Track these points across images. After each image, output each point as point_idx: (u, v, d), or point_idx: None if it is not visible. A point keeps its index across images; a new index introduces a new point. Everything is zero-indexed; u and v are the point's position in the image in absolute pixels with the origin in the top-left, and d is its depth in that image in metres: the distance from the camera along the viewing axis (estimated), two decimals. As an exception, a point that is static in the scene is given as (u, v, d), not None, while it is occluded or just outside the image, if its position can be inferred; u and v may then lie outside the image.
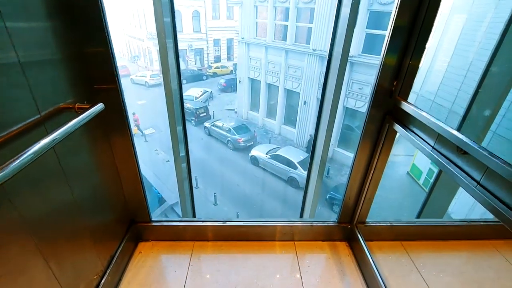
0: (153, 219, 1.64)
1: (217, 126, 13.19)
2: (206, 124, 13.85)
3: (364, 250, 1.46)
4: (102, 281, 1.25)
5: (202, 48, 24.01)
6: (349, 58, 1.61)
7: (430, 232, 1.70)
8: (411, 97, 1.19)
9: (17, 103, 0.77)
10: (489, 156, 0.75)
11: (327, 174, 10.69)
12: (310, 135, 12.36)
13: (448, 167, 0.93)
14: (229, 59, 25.20)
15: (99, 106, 0.99)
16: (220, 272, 1.50)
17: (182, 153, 1.89)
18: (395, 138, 1.33)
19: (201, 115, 14.75)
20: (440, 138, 0.98)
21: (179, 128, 1.79)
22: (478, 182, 0.82)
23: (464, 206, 3.99)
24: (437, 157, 0.98)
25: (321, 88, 1.76)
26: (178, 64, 1.60)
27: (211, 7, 23.09)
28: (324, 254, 1.62)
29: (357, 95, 10.50)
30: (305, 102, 12.33)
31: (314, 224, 1.68)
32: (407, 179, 8.68)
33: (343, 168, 10.97)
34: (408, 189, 8.50)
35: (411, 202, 7.80)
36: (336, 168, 11.07)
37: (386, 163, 1.38)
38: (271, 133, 14.28)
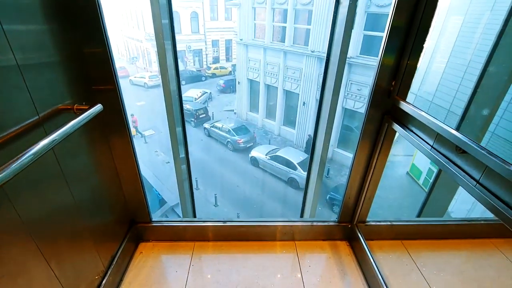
0: (153, 220, 1.64)
1: (216, 127, 13.19)
2: (206, 125, 13.85)
3: (365, 249, 1.46)
4: (103, 282, 1.25)
5: (201, 49, 24.03)
6: (347, 59, 1.62)
7: (430, 231, 1.70)
8: (410, 98, 1.19)
9: (16, 105, 0.77)
10: (488, 155, 0.76)
11: (327, 174, 10.70)
12: (308, 135, 12.37)
13: (448, 166, 0.93)
14: (227, 60, 25.22)
15: (98, 107, 1.00)
16: (220, 272, 1.50)
17: (182, 155, 1.90)
18: (395, 138, 1.34)
19: (200, 116, 14.75)
20: (439, 138, 0.99)
21: (179, 129, 1.79)
22: (477, 181, 0.82)
23: (464, 206, 4.00)
24: (436, 157, 0.99)
25: (320, 89, 1.77)
26: (177, 65, 1.60)
27: (209, 8, 23.10)
28: (325, 253, 1.62)
29: (356, 96, 10.53)
30: (304, 103, 12.35)
31: (315, 223, 1.68)
32: (407, 179, 8.70)
33: (343, 169, 10.98)
34: (408, 189, 8.51)
35: (411, 202, 7.82)
36: (336, 169, 11.08)
37: (385, 162, 1.38)
38: (270, 134, 14.28)
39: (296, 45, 12.22)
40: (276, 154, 10.71)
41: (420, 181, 8.03)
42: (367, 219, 1.61)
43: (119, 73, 1.19)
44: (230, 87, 19.08)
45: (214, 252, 1.62)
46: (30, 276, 0.85)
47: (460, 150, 0.88)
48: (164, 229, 1.67)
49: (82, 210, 1.10)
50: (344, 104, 10.88)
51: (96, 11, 1.01)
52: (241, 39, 14.34)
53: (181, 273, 1.48)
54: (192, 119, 14.57)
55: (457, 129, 0.91)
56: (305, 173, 2.21)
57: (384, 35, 1.11)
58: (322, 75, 1.72)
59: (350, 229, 1.65)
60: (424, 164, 7.85)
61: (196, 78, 21.36)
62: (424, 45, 1.09)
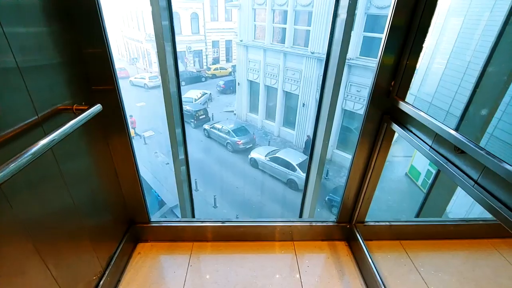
0: (152, 220, 1.64)
1: (216, 128, 13.19)
2: (206, 126, 13.85)
3: (363, 249, 1.46)
4: (101, 282, 1.25)
5: (201, 50, 24.07)
6: (347, 60, 1.63)
7: (429, 231, 1.70)
8: (409, 99, 1.20)
9: (14, 105, 0.77)
10: (486, 155, 0.76)
11: (326, 176, 10.69)
12: (307, 136, 12.38)
13: (446, 166, 0.93)
14: (228, 60, 25.26)
15: (97, 107, 1.00)
16: (219, 272, 1.49)
17: (181, 156, 1.89)
18: (394, 139, 1.34)
19: (200, 117, 14.76)
20: (438, 138, 0.99)
21: (178, 131, 1.79)
22: (475, 181, 0.82)
23: (462, 207, 4.00)
24: (434, 157, 0.99)
25: (319, 90, 1.77)
26: (177, 66, 1.60)
27: (209, 9, 23.16)
28: (323, 254, 1.62)
29: (355, 97, 10.55)
30: (303, 104, 12.36)
31: (313, 224, 1.68)
32: (406, 180, 8.71)
33: (342, 170, 10.98)
34: (407, 190, 8.52)
35: (409, 203, 7.82)
36: (335, 170, 11.08)
37: (384, 162, 1.39)
38: (270, 135, 14.29)
39: (296, 46, 12.24)
40: (276, 155, 10.71)
41: (419, 183, 8.03)
42: (366, 220, 1.61)
43: (120, 74, 1.19)
44: (230, 88, 19.10)
45: (212, 252, 1.62)
46: (27, 277, 0.85)
47: (458, 150, 0.88)
48: (162, 229, 1.66)
49: (80, 211, 1.10)
50: (343, 105, 10.89)
51: (96, 12, 1.01)
52: (241, 40, 14.37)
53: (180, 273, 1.48)
54: (192, 120, 14.57)
55: (456, 130, 0.91)
56: (304, 175, 2.21)
57: (383, 35, 1.12)
58: (322, 76, 1.72)
59: (348, 229, 1.65)
60: (423, 165, 7.86)
61: (196, 79, 21.37)
62: (423, 45, 1.09)
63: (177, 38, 1.56)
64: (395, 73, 1.18)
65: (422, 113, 1.04)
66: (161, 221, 1.67)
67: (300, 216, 2.30)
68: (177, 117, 1.75)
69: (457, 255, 1.64)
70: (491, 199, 0.76)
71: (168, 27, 1.48)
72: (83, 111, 0.95)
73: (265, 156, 10.90)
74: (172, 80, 1.62)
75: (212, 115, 15.77)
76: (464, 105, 1.98)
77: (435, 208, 2.33)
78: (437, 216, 2.33)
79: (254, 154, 11.31)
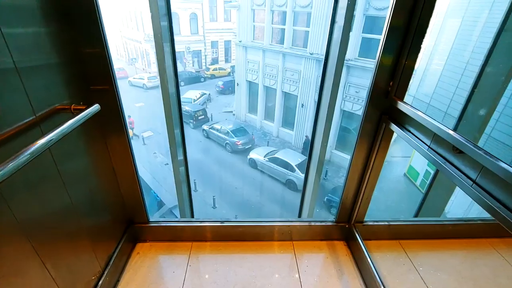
0: (151, 220, 1.64)
1: (215, 129, 13.19)
2: (205, 126, 13.84)
3: (362, 249, 1.47)
4: (100, 282, 1.24)
5: (200, 50, 24.05)
6: (345, 61, 1.64)
7: (427, 231, 1.71)
8: (407, 100, 1.20)
9: (11, 104, 0.77)
10: (485, 155, 0.76)
11: (325, 176, 10.71)
12: (306, 136, 12.40)
13: (444, 166, 0.94)
14: (226, 60, 25.26)
15: (95, 107, 1.00)
16: (218, 272, 1.49)
17: (180, 157, 1.89)
18: (392, 139, 1.34)
19: (199, 117, 14.75)
20: (436, 138, 0.99)
21: (177, 131, 1.79)
22: (474, 181, 0.83)
23: (460, 208, 4.02)
24: (433, 157, 1.00)
25: (318, 91, 1.78)
26: (175, 66, 1.60)
27: (208, 9, 23.15)
28: (322, 253, 1.62)
29: (354, 98, 10.58)
30: (302, 105, 12.38)
31: (312, 223, 1.68)
32: (404, 180, 8.73)
33: (341, 171, 11.00)
34: (405, 191, 8.54)
35: (408, 204, 7.83)
36: (334, 171, 11.10)
37: (383, 162, 1.39)
38: (269, 136, 14.29)
39: (295, 47, 12.26)
40: (275, 156, 10.72)
41: (417, 183, 8.06)
42: (365, 219, 1.62)
43: (118, 74, 1.19)
44: (229, 88, 19.09)
45: (211, 252, 1.62)
46: (26, 277, 0.84)
47: (457, 150, 0.89)
48: (161, 229, 1.66)
49: (79, 211, 1.10)
50: (342, 106, 10.92)
51: (94, 11, 1.01)
52: (240, 41, 14.38)
53: (179, 273, 1.48)
54: (191, 121, 14.55)
55: (454, 130, 0.91)
56: (303, 175, 2.21)
57: (382, 35, 1.12)
58: (321, 77, 1.73)
59: (347, 229, 1.66)
60: (421, 166, 7.88)
61: (195, 79, 21.35)
62: (421, 46, 1.10)
63: (176, 39, 1.56)
64: (393, 74, 1.18)
65: (420, 113, 1.05)
66: (160, 221, 1.66)
67: (299, 216, 2.30)
68: (176, 117, 1.74)
69: (456, 255, 1.64)
70: (489, 199, 0.76)
71: (167, 28, 1.48)
72: (81, 110, 0.95)
73: (264, 157, 10.90)
74: (170, 80, 1.61)
75: (211, 115, 15.76)
76: (462, 106, 1.99)
77: (433, 209, 2.33)
78: (435, 216, 2.33)
79: (253, 155, 11.31)
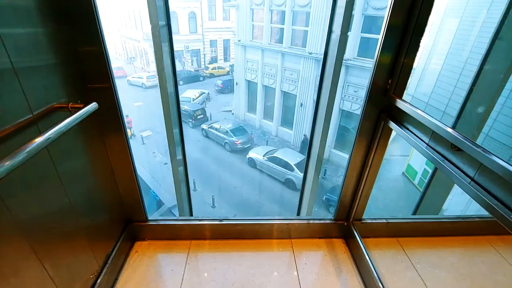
0: (149, 218, 1.64)
1: (214, 128, 13.18)
2: (204, 126, 13.83)
3: (361, 247, 1.47)
4: (98, 281, 1.24)
5: (199, 49, 24.00)
6: (344, 61, 1.64)
7: (425, 228, 1.72)
8: (406, 99, 1.20)
9: (8, 103, 0.76)
10: (483, 152, 0.76)
11: (324, 175, 10.73)
12: (304, 135, 12.42)
13: (443, 163, 0.94)
14: (225, 59, 25.21)
15: (93, 106, 0.99)
16: (217, 270, 1.49)
17: (179, 156, 1.89)
18: (391, 137, 1.35)
19: (198, 117, 14.72)
20: (435, 135, 1.00)
21: (176, 130, 1.78)
22: (472, 179, 0.83)
23: (458, 206, 4.03)
24: (431, 154, 1.00)
25: (317, 90, 1.78)
26: (174, 65, 1.60)
27: (207, 8, 23.09)
28: (321, 251, 1.63)
29: (353, 97, 10.60)
30: (301, 104, 12.39)
31: (311, 221, 1.68)
32: (403, 179, 8.76)
33: (340, 170, 11.02)
34: (403, 189, 8.57)
35: (406, 202, 7.87)
36: (332, 169, 11.12)
37: (381, 160, 1.39)
38: (268, 135, 14.30)
39: (294, 46, 12.26)
40: (274, 155, 10.73)
41: (416, 182, 8.09)
42: (363, 217, 1.62)
43: (117, 73, 1.19)
44: (228, 87, 19.06)
45: (210, 250, 1.62)
46: (24, 277, 0.84)
47: (455, 148, 0.89)
48: (160, 228, 1.66)
49: (77, 210, 1.09)
50: (341, 105, 10.94)
51: (92, 9, 1.01)
52: (239, 40, 14.36)
53: (177, 271, 1.48)
54: (190, 120, 14.53)
55: (453, 128, 0.91)
56: (302, 175, 2.22)
57: (380, 33, 1.12)
58: (319, 76, 1.73)
59: (346, 227, 1.66)
60: (419, 164, 7.90)
61: (194, 78, 21.31)
62: (420, 44, 1.10)
63: (175, 38, 1.55)
64: (392, 72, 1.18)
65: (419, 111, 1.05)
66: (158, 220, 1.66)
67: (298, 214, 2.30)
68: (175, 116, 1.74)
69: (454, 252, 1.65)
70: (487, 196, 0.77)
71: (165, 27, 1.47)
72: (79, 109, 0.94)
73: (263, 156, 10.91)
74: (169, 79, 1.61)
75: (210, 114, 15.74)
76: (460, 105, 2.00)
77: (431, 207, 2.34)
78: (433, 214, 2.34)
79: (252, 154, 11.31)
